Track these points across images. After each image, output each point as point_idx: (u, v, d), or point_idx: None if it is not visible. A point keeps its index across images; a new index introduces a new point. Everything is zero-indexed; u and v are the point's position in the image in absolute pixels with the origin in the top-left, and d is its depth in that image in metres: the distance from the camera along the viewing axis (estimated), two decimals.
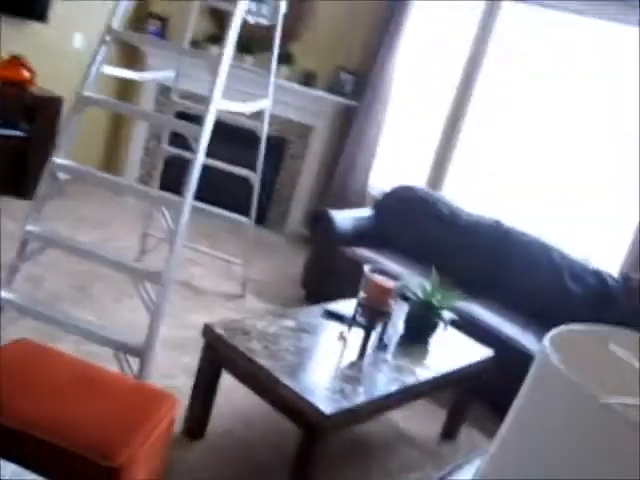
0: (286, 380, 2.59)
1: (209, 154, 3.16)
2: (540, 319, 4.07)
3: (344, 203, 5.54)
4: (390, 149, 5.90)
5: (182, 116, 4.28)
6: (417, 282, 3.29)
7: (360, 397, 2.60)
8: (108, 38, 3.01)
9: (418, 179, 5.60)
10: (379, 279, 2.86)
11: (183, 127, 2.99)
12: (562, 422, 0.79)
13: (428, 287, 3.14)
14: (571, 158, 4.98)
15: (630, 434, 0.72)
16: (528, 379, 0.92)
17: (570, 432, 0.77)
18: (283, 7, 4.08)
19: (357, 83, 5.79)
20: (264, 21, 4.68)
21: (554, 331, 0.94)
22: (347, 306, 3.27)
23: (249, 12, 4.45)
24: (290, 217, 6.16)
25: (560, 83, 5.01)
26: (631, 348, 1.00)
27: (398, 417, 3.55)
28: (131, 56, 5.85)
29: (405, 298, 3.24)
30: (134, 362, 2.86)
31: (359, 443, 3.29)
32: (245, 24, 3.31)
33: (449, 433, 3.50)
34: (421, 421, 3.61)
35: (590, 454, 0.75)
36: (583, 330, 1.01)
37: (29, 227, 2.95)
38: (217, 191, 5.21)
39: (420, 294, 3.14)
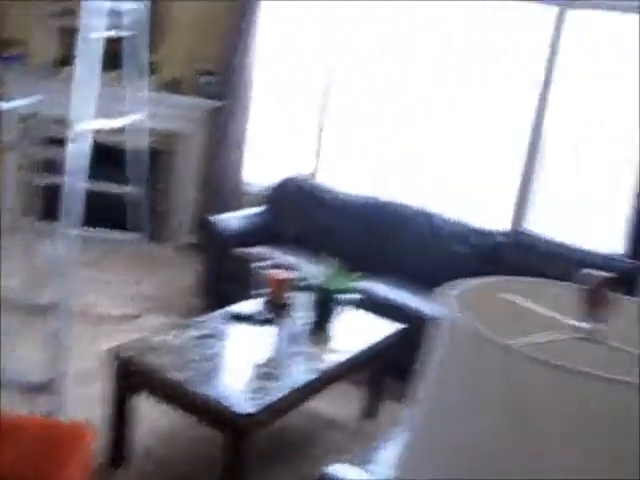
0: (202, 389, 2.59)
1: (91, 176, 3.09)
2: (436, 285, 4.19)
3: (226, 204, 5.52)
4: (265, 144, 5.92)
5: (55, 142, 4.15)
6: (315, 270, 3.33)
7: (279, 391, 2.63)
8: None
9: (299, 169, 5.65)
10: (276, 273, 2.88)
11: (48, 153, 2.91)
12: (471, 372, 0.84)
13: (326, 274, 3.20)
14: (443, 122, 5.13)
15: (534, 370, 0.77)
16: (433, 340, 0.97)
17: (479, 379, 0.82)
18: (142, 16, 4.03)
19: (220, 84, 5.77)
20: (123, 33, 4.57)
21: (448, 289, 0.99)
22: (249, 305, 3.28)
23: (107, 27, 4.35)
24: (178, 228, 6.08)
25: (420, 53, 5.17)
26: (519, 292, 1.07)
27: (317, 404, 3.59)
28: None
29: (306, 288, 3.28)
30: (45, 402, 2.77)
31: (282, 438, 3.31)
32: (109, 40, 3.25)
33: (370, 411, 3.57)
34: (341, 404, 3.66)
35: (497, 396, 0.80)
36: (474, 284, 1.07)
37: None
38: (100, 212, 5.07)
39: (319, 281, 3.19)
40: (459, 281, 1.08)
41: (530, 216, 4.86)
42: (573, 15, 4.56)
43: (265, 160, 5.89)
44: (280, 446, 3.25)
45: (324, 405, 3.61)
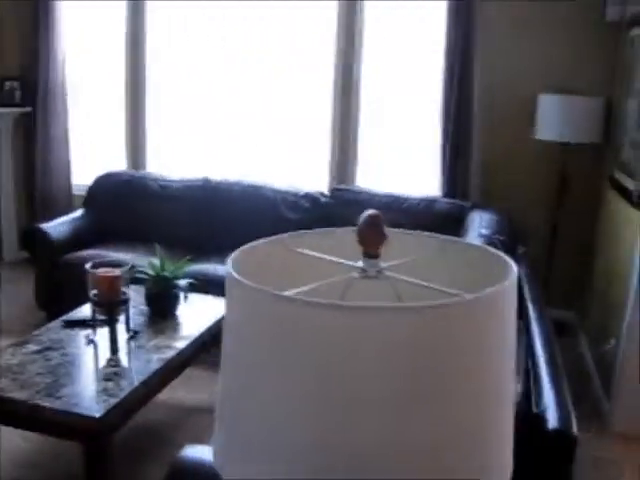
0: (47, 403, 2.50)
1: None
2: None
3: (55, 211, 5.32)
4: (88, 144, 5.74)
5: None
6: (146, 262, 3.29)
7: (126, 388, 2.60)
8: None
9: (121, 164, 5.53)
10: (102, 271, 2.83)
11: None
12: (248, 325, 0.87)
13: (155, 263, 3.17)
14: (259, 97, 5.20)
15: (303, 311, 0.82)
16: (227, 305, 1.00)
17: (255, 330, 0.86)
18: None
19: (25, 88, 5.51)
20: None
21: (236, 251, 1.03)
22: (85, 310, 3.20)
23: None
24: (3, 245, 5.79)
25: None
26: (312, 244, 1.12)
27: (174, 393, 3.58)
28: None
29: (139, 281, 3.23)
30: None
31: (147, 433, 3.28)
32: None
33: None
34: (198, 388, 3.66)
35: (270, 342, 0.84)
36: (263, 242, 1.10)
37: None
38: None
39: (151, 271, 3.16)
40: (252, 243, 1.11)
41: (353, 173, 5.05)
42: None
43: (93, 159, 5.70)
44: (148, 442, 3.22)
45: (184, 392, 3.61)
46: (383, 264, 1.01)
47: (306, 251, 1.12)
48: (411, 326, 0.81)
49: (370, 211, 1.02)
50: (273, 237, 1.13)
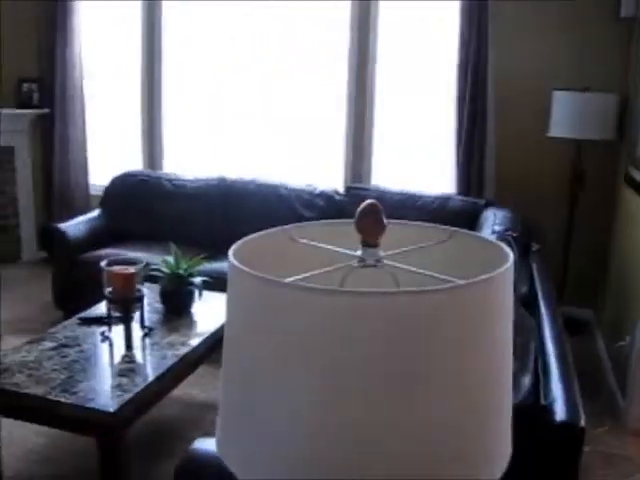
0: (62, 398, 2.54)
1: None
2: None
3: (72, 211, 5.38)
4: (105, 144, 5.80)
5: None
6: (161, 260, 3.33)
7: (140, 384, 2.63)
8: None
9: (138, 164, 5.58)
10: (117, 269, 2.86)
11: None
12: (254, 314, 0.89)
13: (170, 261, 3.20)
14: (273, 97, 5.23)
15: (301, 297, 0.84)
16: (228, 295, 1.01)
17: (257, 316, 0.88)
18: None
19: (43, 90, 5.58)
20: None
21: (236, 244, 1.04)
22: (100, 307, 3.24)
23: None
24: (22, 245, 5.86)
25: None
26: (315, 235, 1.14)
27: (188, 390, 3.61)
28: None
29: (154, 279, 3.27)
30: None
31: (161, 428, 3.32)
32: None
33: None
34: (211, 385, 3.69)
35: (269, 329, 0.86)
36: (266, 233, 1.12)
37: None
38: None
39: (165, 269, 3.19)
40: (255, 234, 1.13)
41: (368, 171, 5.06)
42: None
43: (111, 159, 5.76)
44: (160, 437, 3.25)
45: (198, 389, 3.64)
46: (382, 253, 1.02)
47: (306, 241, 1.14)
48: (407, 310, 0.82)
49: (369, 200, 1.03)
50: (277, 228, 1.15)
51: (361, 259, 1.01)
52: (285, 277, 0.93)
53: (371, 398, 0.84)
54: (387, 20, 4.83)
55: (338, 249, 1.06)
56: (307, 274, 0.97)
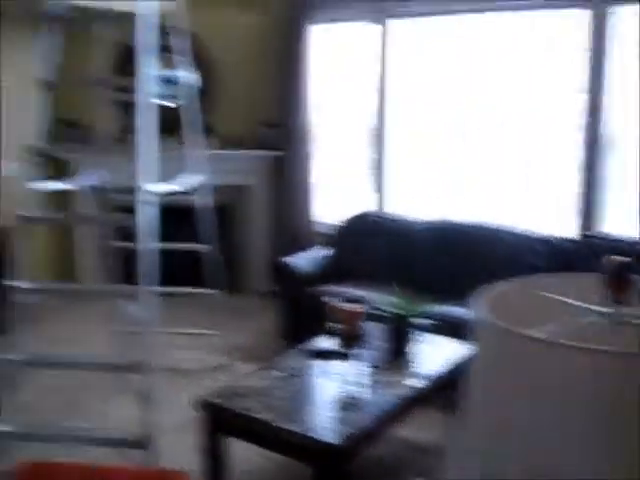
0: (288, 426, 2.67)
1: (165, 238, 3.27)
2: None
3: (298, 247, 5.66)
4: (331, 183, 6.06)
5: (126, 209, 4.38)
6: (386, 300, 3.40)
7: (363, 420, 2.69)
8: (31, 157, 3.12)
9: (366, 204, 5.75)
10: (348, 307, 2.97)
11: (119, 220, 3.10)
12: (496, 362, 0.90)
13: (396, 302, 3.26)
14: (496, 136, 5.16)
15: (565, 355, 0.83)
16: (475, 344, 1.04)
17: (507, 366, 0.89)
18: (196, 82, 4.27)
19: (279, 133, 5.95)
20: (176, 102, 4.82)
21: (483, 293, 1.06)
22: (324, 341, 3.37)
23: (162, 97, 4.60)
24: (252, 276, 6.25)
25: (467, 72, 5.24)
26: (551, 287, 1.13)
27: (404, 431, 3.62)
28: (60, 164, 5.88)
29: (378, 318, 3.34)
30: (140, 456, 2.90)
31: (376, 467, 3.35)
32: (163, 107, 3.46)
33: None
34: (427, 428, 3.67)
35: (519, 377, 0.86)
36: (511, 284, 1.13)
37: (7, 356, 3.00)
38: (178, 272, 5.27)
39: (391, 309, 3.25)
40: (494, 284, 1.14)
41: (599, 218, 4.76)
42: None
43: (333, 198, 6.02)
44: (373, 475, 3.29)
45: (413, 431, 3.64)
46: (625, 310, 0.99)
47: (547, 294, 1.13)
48: None
49: (621, 258, 1.01)
50: (513, 279, 1.16)
51: (607, 315, 0.99)
52: (532, 329, 0.93)
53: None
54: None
55: (589, 305, 1.04)
56: (554, 328, 0.97)
